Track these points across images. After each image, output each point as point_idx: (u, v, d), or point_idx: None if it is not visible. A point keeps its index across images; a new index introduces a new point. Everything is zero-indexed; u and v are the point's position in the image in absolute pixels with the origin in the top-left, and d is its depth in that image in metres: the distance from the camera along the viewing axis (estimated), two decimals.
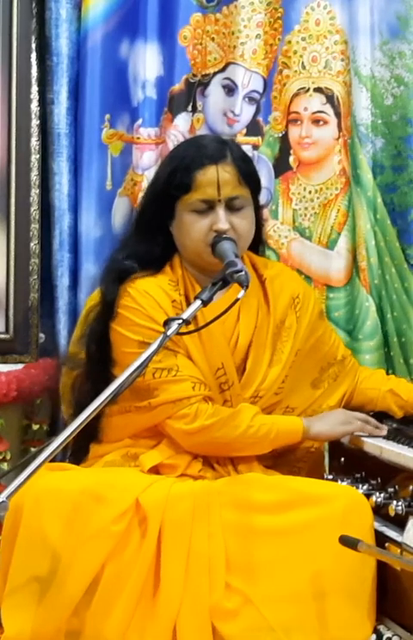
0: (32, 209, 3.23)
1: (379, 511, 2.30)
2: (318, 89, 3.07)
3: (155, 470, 2.43)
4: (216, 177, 2.47)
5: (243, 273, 2.31)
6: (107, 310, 2.51)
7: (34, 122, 3.24)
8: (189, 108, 3.21)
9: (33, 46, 3.23)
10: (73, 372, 2.61)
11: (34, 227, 3.23)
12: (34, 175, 3.23)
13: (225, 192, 2.48)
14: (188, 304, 2.46)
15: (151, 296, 2.48)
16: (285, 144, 3.14)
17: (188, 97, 3.22)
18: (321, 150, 3.07)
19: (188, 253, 2.55)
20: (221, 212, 2.48)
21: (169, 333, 2.17)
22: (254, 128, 3.17)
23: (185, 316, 2.21)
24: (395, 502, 2.24)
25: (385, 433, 2.56)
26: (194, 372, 2.47)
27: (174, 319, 2.20)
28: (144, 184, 3.15)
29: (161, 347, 2.14)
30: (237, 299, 2.27)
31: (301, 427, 2.48)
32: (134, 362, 2.11)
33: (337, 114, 3.06)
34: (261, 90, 3.17)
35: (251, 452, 2.47)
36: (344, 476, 2.52)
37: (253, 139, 3.16)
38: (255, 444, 2.45)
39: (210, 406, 2.45)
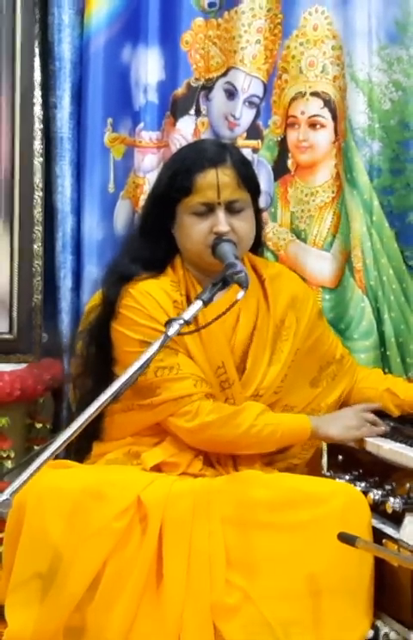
0: (35, 211, 3.25)
1: (377, 508, 2.31)
2: (315, 94, 3.07)
3: (157, 468, 2.44)
4: (216, 180, 2.48)
5: (242, 274, 2.33)
6: (109, 310, 2.53)
7: (38, 126, 3.25)
8: (193, 112, 3.22)
9: (37, 51, 3.24)
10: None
11: (38, 229, 3.24)
12: (38, 178, 3.25)
13: (225, 195, 2.50)
14: (189, 304, 2.48)
15: (152, 296, 2.50)
16: (283, 148, 3.14)
17: (191, 101, 3.23)
18: (317, 154, 3.08)
19: (189, 255, 2.57)
20: (221, 214, 2.50)
21: (170, 333, 2.19)
22: (254, 132, 3.18)
23: (186, 316, 2.23)
24: (392, 499, 2.25)
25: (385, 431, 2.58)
26: (195, 370, 2.48)
27: (175, 319, 2.22)
28: (146, 187, 3.17)
29: (159, 349, 2.16)
30: (237, 300, 2.29)
31: (309, 427, 2.48)
32: (136, 361, 2.13)
33: (334, 118, 3.05)
34: (261, 95, 3.18)
35: (256, 450, 2.48)
36: (342, 473, 2.52)
37: (253, 143, 3.17)
38: (259, 443, 2.46)
39: (211, 402, 2.46)
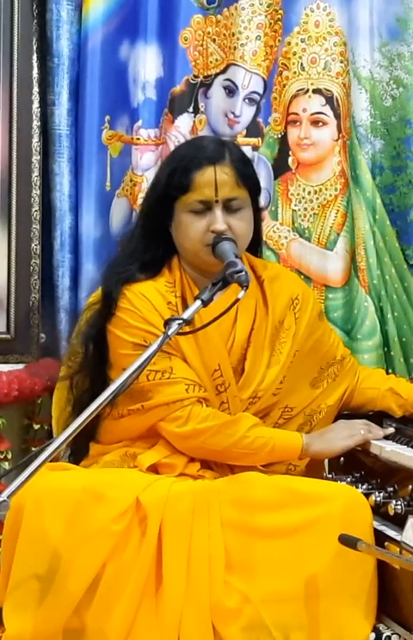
0: (33, 209, 3.24)
1: (379, 510, 2.30)
2: (317, 91, 3.07)
3: (154, 469, 2.43)
4: (214, 178, 2.47)
5: (243, 273, 2.32)
6: (106, 311, 2.52)
7: (36, 123, 3.25)
8: (191, 109, 3.22)
9: (35, 47, 3.24)
10: (65, 386, 2.62)
11: (35, 228, 3.24)
12: (35, 176, 3.25)
13: (223, 193, 2.48)
14: (184, 305, 2.47)
15: (146, 298, 2.49)
16: (284, 145, 3.14)
17: (190, 98, 3.22)
18: (320, 152, 3.07)
19: (186, 253, 2.56)
20: (218, 212, 2.48)
21: (169, 333, 2.18)
22: (254, 129, 3.17)
23: (185, 316, 2.22)
24: (394, 501, 2.25)
25: (384, 434, 2.56)
26: (189, 375, 2.47)
27: (174, 319, 2.20)
28: (144, 185, 3.16)
29: (159, 349, 2.15)
30: (238, 300, 2.27)
31: (300, 444, 2.46)
32: (134, 363, 2.12)
33: (337, 116, 3.05)
34: (261, 91, 3.17)
35: (246, 462, 2.45)
36: (344, 475, 2.52)
37: (253, 140, 3.16)
38: (249, 455, 2.44)
39: (204, 409, 2.45)
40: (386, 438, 2.53)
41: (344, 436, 2.52)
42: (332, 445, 2.50)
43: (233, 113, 3.18)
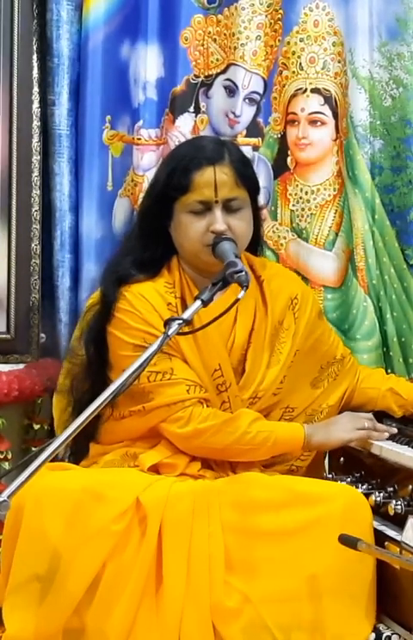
0: (33, 209, 3.24)
1: (379, 510, 2.31)
2: (316, 90, 3.07)
3: (154, 469, 2.43)
4: (213, 178, 2.47)
5: (243, 273, 2.32)
6: (105, 312, 2.52)
7: (36, 123, 3.25)
8: (192, 109, 3.22)
9: (35, 47, 3.24)
10: (65, 394, 2.62)
11: (35, 228, 3.24)
12: (35, 176, 3.25)
13: (222, 193, 2.48)
14: (184, 306, 2.47)
15: (146, 299, 2.49)
16: (283, 146, 3.14)
17: (191, 98, 3.22)
18: (318, 151, 3.07)
19: (185, 253, 2.55)
20: (218, 213, 2.48)
21: (169, 333, 2.18)
22: (254, 129, 3.18)
23: (185, 316, 2.22)
24: (394, 501, 2.25)
25: (387, 435, 2.56)
26: (189, 375, 2.46)
27: (174, 319, 2.20)
28: (145, 185, 3.16)
29: (159, 348, 2.15)
30: (238, 299, 2.27)
31: (302, 436, 2.46)
32: (133, 363, 2.12)
33: (335, 115, 3.05)
34: (261, 91, 3.17)
35: (249, 458, 2.46)
36: (344, 475, 2.52)
37: (253, 140, 3.17)
38: (251, 450, 2.44)
39: (205, 409, 2.45)
40: (387, 438, 2.53)
41: (348, 429, 2.51)
42: (334, 436, 2.50)
43: (233, 113, 3.18)
